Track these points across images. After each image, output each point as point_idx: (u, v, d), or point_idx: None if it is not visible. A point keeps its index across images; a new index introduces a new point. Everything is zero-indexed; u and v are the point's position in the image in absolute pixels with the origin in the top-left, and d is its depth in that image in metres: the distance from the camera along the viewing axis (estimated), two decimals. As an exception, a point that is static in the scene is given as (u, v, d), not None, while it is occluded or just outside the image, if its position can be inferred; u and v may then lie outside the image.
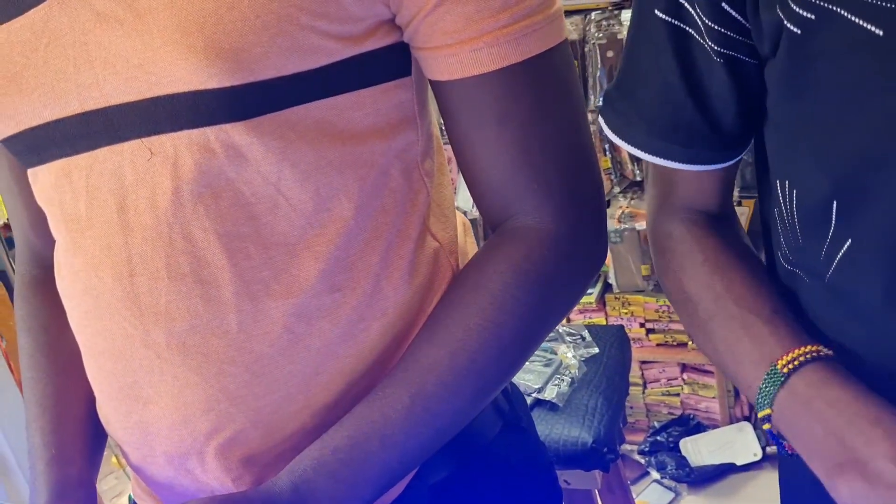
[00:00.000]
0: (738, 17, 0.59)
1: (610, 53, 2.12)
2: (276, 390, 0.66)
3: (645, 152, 0.68)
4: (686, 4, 0.61)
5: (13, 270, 2.58)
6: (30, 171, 0.71)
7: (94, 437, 0.79)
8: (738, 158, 0.69)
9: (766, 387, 0.60)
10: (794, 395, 0.58)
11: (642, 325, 2.42)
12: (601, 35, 2.12)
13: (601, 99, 0.71)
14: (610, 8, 2.14)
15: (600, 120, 0.71)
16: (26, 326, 0.83)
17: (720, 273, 0.67)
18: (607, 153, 2.28)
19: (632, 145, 0.69)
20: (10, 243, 2.70)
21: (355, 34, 0.61)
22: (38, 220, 0.76)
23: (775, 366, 0.59)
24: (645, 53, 0.66)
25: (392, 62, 0.65)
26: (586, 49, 2.15)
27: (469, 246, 0.79)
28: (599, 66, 2.14)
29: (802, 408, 0.57)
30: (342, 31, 0.61)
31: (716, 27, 0.60)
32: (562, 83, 0.66)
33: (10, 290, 2.37)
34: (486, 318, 0.66)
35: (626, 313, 2.42)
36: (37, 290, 0.84)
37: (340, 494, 0.63)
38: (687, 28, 0.62)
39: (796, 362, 0.59)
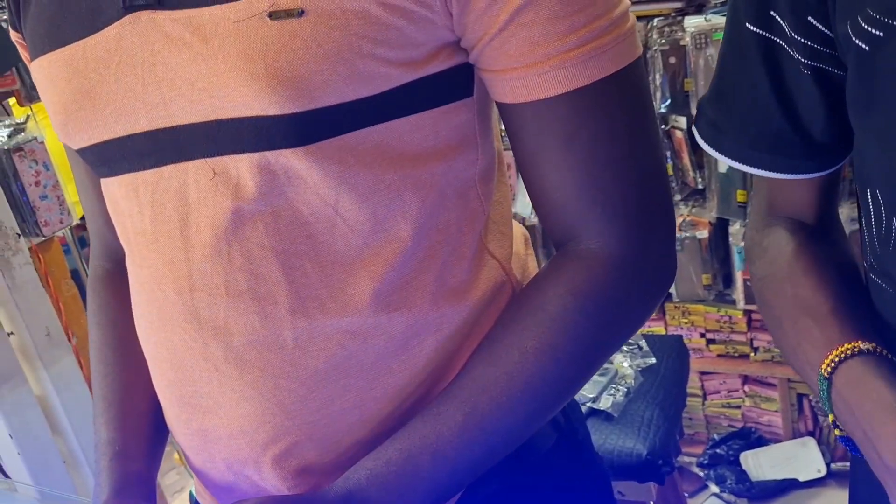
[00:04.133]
0: (824, 30, 0.59)
1: (672, 60, 2.09)
2: (331, 405, 0.67)
3: (734, 160, 0.69)
4: (776, 17, 0.62)
5: (85, 271, 2.65)
6: (102, 182, 0.73)
7: (157, 433, 0.81)
8: (833, 169, 0.69)
9: (822, 393, 0.60)
10: (840, 396, 0.59)
11: (702, 336, 2.37)
12: (664, 41, 2.09)
13: (695, 108, 0.73)
14: (673, 14, 2.11)
15: (693, 129, 0.73)
16: (96, 321, 0.85)
17: (792, 279, 0.67)
18: (669, 160, 2.25)
19: (722, 154, 0.70)
20: (82, 242, 2.77)
21: (417, 59, 0.62)
22: None
23: (820, 370, 0.60)
24: (736, 64, 0.67)
25: (453, 84, 0.65)
26: (648, 55, 2.12)
27: (530, 259, 0.78)
28: (662, 72, 2.11)
29: (846, 409, 0.58)
30: (403, 56, 0.61)
31: (802, 39, 0.61)
32: (631, 102, 0.64)
33: (81, 288, 2.43)
34: (543, 342, 0.65)
35: (686, 323, 2.38)
36: (108, 284, 0.86)
37: None
38: (776, 39, 0.63)
39: (833, 363, 0.59)
